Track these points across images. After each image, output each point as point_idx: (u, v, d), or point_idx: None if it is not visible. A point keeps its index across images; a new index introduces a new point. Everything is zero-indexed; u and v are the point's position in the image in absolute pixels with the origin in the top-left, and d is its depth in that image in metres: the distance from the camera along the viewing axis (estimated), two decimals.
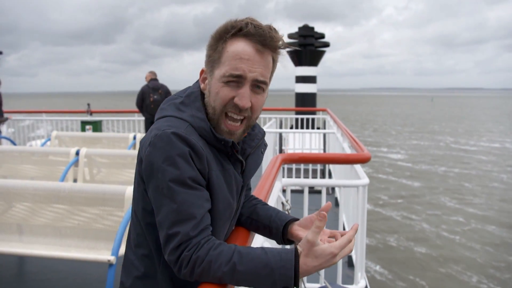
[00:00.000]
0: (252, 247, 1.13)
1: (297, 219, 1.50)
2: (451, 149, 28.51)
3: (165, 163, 1.15)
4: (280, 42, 1.26)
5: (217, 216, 1.25)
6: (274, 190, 2.74)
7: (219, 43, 1.25)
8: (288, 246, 1.54)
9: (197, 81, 1.36)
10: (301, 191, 3.39)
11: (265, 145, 1.49)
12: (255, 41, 1.23)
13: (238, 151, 1.32)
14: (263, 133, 1.46)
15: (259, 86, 1.27)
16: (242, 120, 1.29)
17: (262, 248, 1.12)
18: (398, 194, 16.48)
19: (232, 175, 1.31)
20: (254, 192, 2.19)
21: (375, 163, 22.68)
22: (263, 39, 1.22)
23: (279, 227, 1.48)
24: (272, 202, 2.50)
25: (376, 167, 21.91)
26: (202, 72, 1.34)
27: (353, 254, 3.88)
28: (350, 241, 1.14)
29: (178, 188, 1.14)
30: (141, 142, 1.24)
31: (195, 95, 1.31)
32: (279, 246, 1.70)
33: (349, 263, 4.16)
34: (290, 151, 9.81)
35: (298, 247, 1.12)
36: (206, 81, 1.31)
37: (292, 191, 3.43)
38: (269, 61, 1.27)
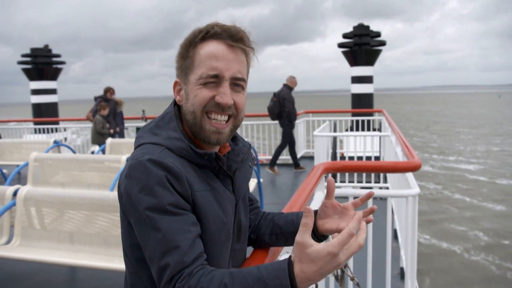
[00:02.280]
0: (248, 267, 1.04)
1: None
2: None
3: (142, 192, 1.08)
4: (248, 39, 1.23)
5: (211, 240, 1.16)
6: (314, 201, 2.60)
7: (189, 50, 1.22)
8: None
9: (171, 103, 1.30)
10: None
11: (253, 159, 1.41)
12: (224, 39, 1.20)
13: (224, 162, 1.24)
14: (248, 146, 1.37)
15: (237, 84, 1.22)
16: (227, 120, 1.23)
17: (257, 265, 1.03)
18: (477, 225, 11.60)
19: (223, 193, 1.23)
20: (289, 204, 2.08)
21: (442, 177, 17.75)
22: (231, 36, 1.20)
23: None
24: None
25: (443, 182, 16.90)
26: (175, 84, 1.29)
27: (404, 265, 3.64)
28: (351, 235, 0.95)
29: (160, 216, 1.06)
30: (120, 175, 1.19)
31: (170, 115, 1.25)
32: None
33: (401, 275, 3.92)
34: (345, 155, 9.57)
35: (291, 254, 1.00)
36: (181, 92, 1.26)
37: (339, 197, 3.25)
38: (243, 58, 1.24)
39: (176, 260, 1.03)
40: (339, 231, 1.32)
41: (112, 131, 9.56)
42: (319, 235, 1.38)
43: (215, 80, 1.18)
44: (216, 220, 1.18)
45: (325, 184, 1.27)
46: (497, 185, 16.35)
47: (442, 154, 24.06)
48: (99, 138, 9.17)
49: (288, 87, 9.15)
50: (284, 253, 1.66)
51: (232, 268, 1.05)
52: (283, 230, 1.43)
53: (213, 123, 1.20)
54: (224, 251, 1.24)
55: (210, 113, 1.20)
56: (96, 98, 10.11)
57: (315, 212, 1.39)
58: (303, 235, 0.97)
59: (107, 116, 9.47)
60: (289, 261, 0.99)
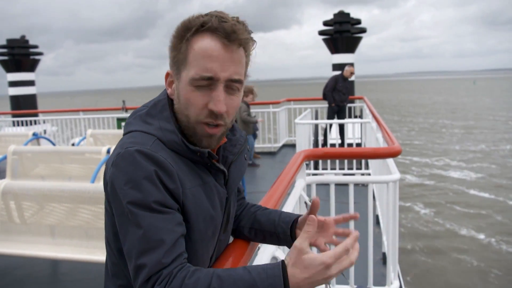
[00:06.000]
0: (234, 268, 1.01)
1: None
2: None
3: (128, 185, 1.02)
4: (246, 34, 1.11)
5: (198, 237, 1.13)
6: (295, 190, 2.61)
7: (183, 42, 1.11)
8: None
9: (165, 89, 1.23)
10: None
11: (248, 150, 1.36)
12: (220, 36, 1.08)
13: (218, 160, 1.20)
14: (245, 137, 1.32)
15: (233, 86, 1.13)
16: (218, 124, 1.15)
17: (245, 268, 0.99)
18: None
19: (214, 188, 1.18)
20: (270, 192, 2.08)
21: (431, 194, 13.09)
22: (228, 32, 1.08)
23: (285, 231, 1.36)
24: (292, 202, 2.37)
25: (435, 202, 12.16)
26: (167, 75, 1.20)
27: (386, 250, 3.70)
28: (347, 250, 0.97)
29: (143, 212, 1.01)
30: (107, 162, 1.13)
31: (162, 103, 1.18)
32: None
33: (384, 261, 3.97)
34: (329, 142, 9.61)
35: (286, 258, 1.00)
36: (173, 85, 1.18)
37: (321, 184, 3.25)
38: (241, 56, 1.13)
39: (154, 261, 0.98)
40: (315, 245, 1.32)
41: (260, 119, 8.77)
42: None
43: (209, 82, 1.10)
44: (205, 217, 1.15)
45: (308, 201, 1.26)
46: (501, 203, 11.97)
47: (426, 156, 19.55)
48: (243, 126, 8.13)
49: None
50: (264, 250, 1.63)
51: (217, 269, 1.01)
52: (263, 228, 1.40)
53: (206, 128, 1.13)
54: (211, 245, 1.22)
55: (204, 120, 1.13)
56: None
57: (296, 220, 1.37)
58: (303, 242, 0.98)
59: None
60: (283, 267, 0.97)
